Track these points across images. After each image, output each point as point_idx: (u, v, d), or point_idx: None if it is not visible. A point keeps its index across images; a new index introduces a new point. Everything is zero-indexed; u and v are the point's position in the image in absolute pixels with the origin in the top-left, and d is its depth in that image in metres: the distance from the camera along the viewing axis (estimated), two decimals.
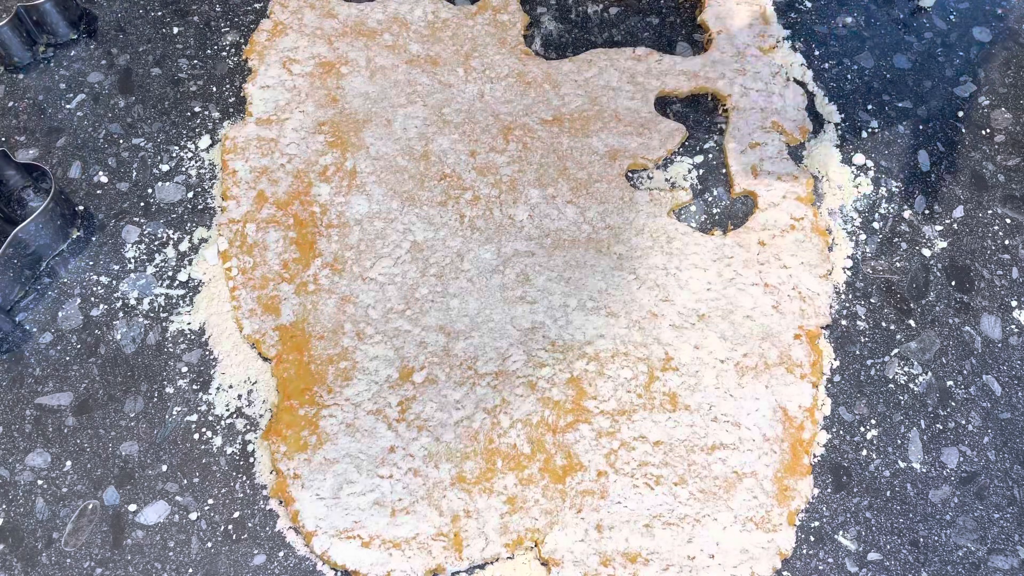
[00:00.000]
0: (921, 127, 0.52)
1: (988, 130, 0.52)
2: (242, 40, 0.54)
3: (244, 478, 0.42)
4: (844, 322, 0.46)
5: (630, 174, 0.49)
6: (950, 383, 0.45)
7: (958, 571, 0.41)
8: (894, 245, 0.48)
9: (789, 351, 0.44)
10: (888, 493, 0.42)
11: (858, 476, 0.43)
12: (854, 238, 0.48)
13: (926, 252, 0.48)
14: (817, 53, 0.54)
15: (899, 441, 0.44)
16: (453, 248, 0.46)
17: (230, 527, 0.41)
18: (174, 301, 0.46)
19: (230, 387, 0.44)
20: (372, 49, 0.52)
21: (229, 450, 0.43)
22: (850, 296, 0.47)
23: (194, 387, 0.44)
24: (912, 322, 0.46)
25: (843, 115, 0.51)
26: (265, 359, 0.45)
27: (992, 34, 0.55)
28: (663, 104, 0.51)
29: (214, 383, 0.44)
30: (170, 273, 0.47)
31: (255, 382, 0.44)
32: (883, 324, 0.46)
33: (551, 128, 0.50)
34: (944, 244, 0.48)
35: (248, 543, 0.41)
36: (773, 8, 0.54)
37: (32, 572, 0.41)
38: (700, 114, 0.51)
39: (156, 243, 0.48)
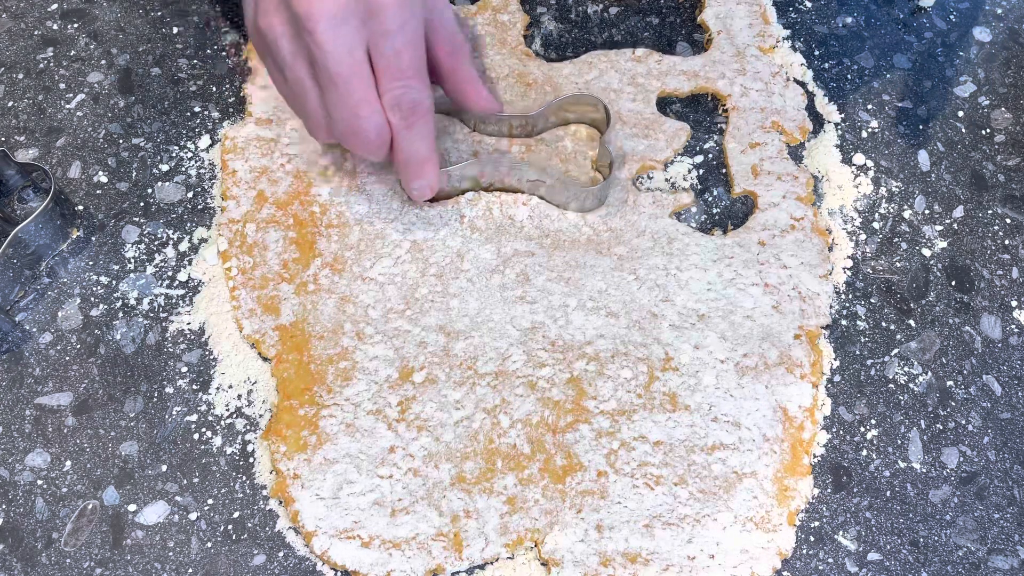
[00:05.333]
0: (921, 127, 0.52)
1: (988, 130, 0.52)
2: (242, 40, 0.54)
3: (244, 478, 0.42)
4: (844, 322, 0.46)
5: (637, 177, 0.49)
6: (950, 383, 0.45)
7: (958, 571, 0.41)
8: (894, 245, 0.48)
9: (789, 351, 0.44)
10: (888, 493, 0.42)
11: (858, 476, 0.43)
12: (854, 238, 0.48)
13: (926, 252, 0.48)
14: (817, 53, 0.54)
15: (899, 441, 0.44)
16: (453, 248, 0.46)
17: (230, 527, 0.41)
18: (174, 301, 0.46)
19: (230, 387, 0.44)
20: None
21: (229, 450, 0.43)
22: (850, 296, 0.47)
23: (194, 387, 0.44)
24: (912, 322, 0.46)
25: (843, 115, 0.52)
26: (265, 359, 0.45)
27: (992, 34, 0.55)
28: (663, 104, 0.51)
29: (214, 383, 0.44)
30: (170, 273, 0.47)
31: (255, 382, 0.44)
32: (883, 324, 0.46)
33: (555, 132, 0.50)
34: (944, 244, 0.48)
35: (248, 543, 0.41)
36: (773, 8, 0.54)
37: (32, 572, 0.41)
38: (700, 114, 0.51)
39: (156, 243, 0.48)
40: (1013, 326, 0.46)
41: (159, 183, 0.49)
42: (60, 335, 0.46)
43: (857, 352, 0.46)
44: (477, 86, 0.45)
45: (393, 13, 0.39)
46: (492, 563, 0.41)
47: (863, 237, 0.48)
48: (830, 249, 0.48)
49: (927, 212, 0.49)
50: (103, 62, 0.53)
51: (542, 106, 0.48)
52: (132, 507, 0.42)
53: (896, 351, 0.46)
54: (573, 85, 0.51)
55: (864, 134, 0.51)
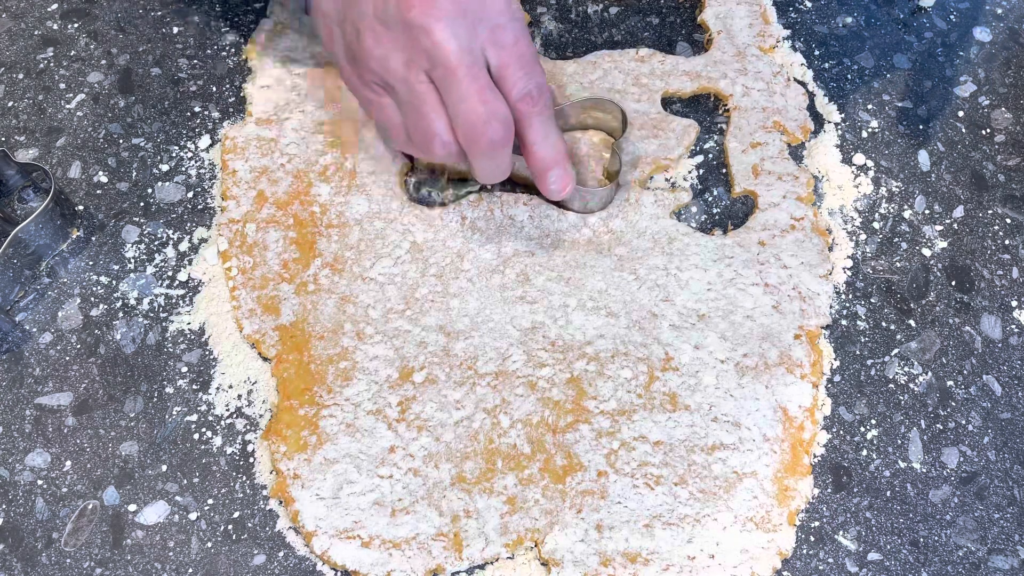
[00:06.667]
0: (921, 127, 0.52)
1: (988, 130, 0.52)
2: (242, 40, 0.54)
3: (244, 478, 0.42)
4: (844, 322, 0.46)
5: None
6: (950, 383, 0.45)
7: (958, 571, 0.41)
8: (894, 245, 0.48)
9: (789, 351, 0.44)
10: (888, 493, 0.42)
11: (858, 476, 0.43)
12: (854, 238, 0.48)
13: (926, 252, 0.48)
14: (817, 53, 0.54)
15: (899, 441, 0.44)
16: (453, 248, 0.46)
17: (230, 527, 0.41)
18: (174, 301, 0.46)
19: (230, 387, 0.44)
20: None
21: (229, 450, 0.43)
22: (850, 296, 0.47)
23: (194, 387, 0.44)
24: (912, 322, 0.46)
25: (843, 115, 0.51)
26: (265, 359, 0.45)
27: (992, 34, 0.55)
28: (664, 104, 0.51)
29: (214, 383, 0.44)
30: (170, 273, 0.47)
31: (255, 382, 0.44)
32: (883, 324, 0.46)
33: (571, 135, 0.49)
34: (944, 244, 0.48)
35: (248, 543, 0.41)
36: (773, 8, 0.54)
37: (32, 572, 0.41)
38: (700, 114, 0.51)
39: (156, 243, 0.48)
40: (1013, 326, 0.46)
41: (159, 183, 0.49)
42: (60, 335, 0.46)
43: (857, 352, 0.45)
44: None
45: (502, 4, 0.40)
46: (492, 563, 0.41)
47: (863, 237, 0.48)
48: (830, 249, 0.48)
49: (927, 212, 0.49)
50: (103, 62, 0.53)
51: (563, 103, 0.48)
52: (132, 507, 0.42)
53: (896, 351, 0.46)
54: (578, 84, 0.51)
55: (864, 134, 0.51)
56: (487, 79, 0.40)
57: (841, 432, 0.44)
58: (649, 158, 0.49)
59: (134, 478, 0.42)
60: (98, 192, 0.49)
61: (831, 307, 0.46)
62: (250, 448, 0.43)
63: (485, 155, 0.41)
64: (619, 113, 0.48)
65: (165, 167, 0.50)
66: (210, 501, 0.42)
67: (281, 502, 0.42)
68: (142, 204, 0.49)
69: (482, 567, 0.41)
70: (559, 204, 0.47)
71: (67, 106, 0.52)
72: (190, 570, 0.41)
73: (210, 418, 0.44)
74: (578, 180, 0.46)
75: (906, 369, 0.45)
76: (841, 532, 0.42)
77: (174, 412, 0.44)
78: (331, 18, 0.43)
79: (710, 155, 0.50)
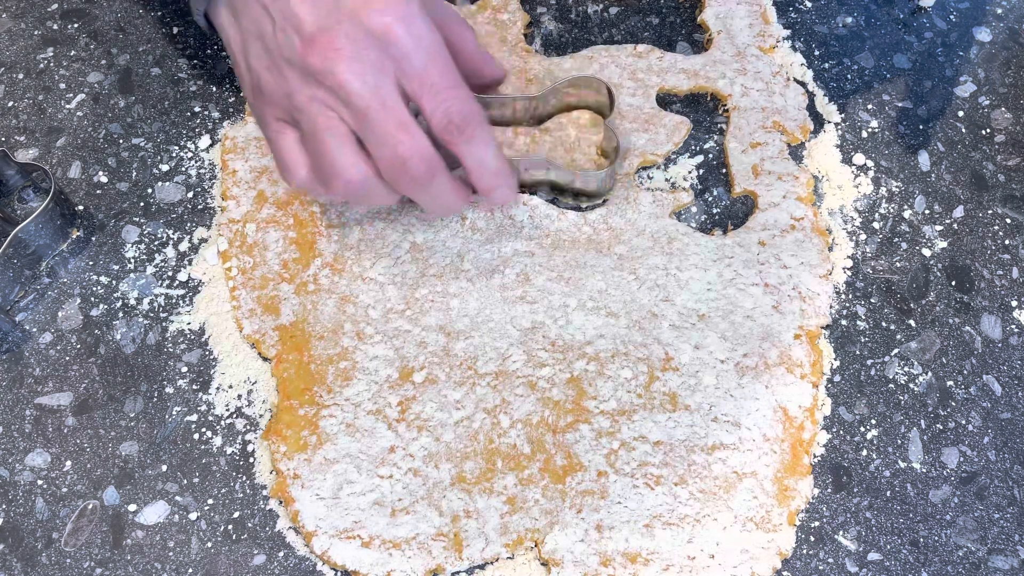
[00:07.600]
0: (921, 127, 0.52)
1: (988, 130, 0.52)
2: None
3: (244, 478, 0.42)
4: (844, 322, 0.46)
5: (640, 171, 0.49)
6: (950, 383, 0.45)
7: (958, 571, 0.41)
8: (894, 245, 0.48)
9: (789, 351, 0.44)
10: (888, 493, 0.42)
11: (858, 476, 0.43)
12: (854, 238, 0.48)
13: (926, 252, 0.48)
14: (817, 53, 0.54)
15: (899, 441, 0.44)
16: (453, 248, 0.46)
17: (230, 527, 0.41)
18: (174, 301, 0.46)
19: (230, 387, 0.44)
20: None
21: (229, 450, 0.43)
22: (850, 296, 0.47)
23: (194, 387, 0.44)
24: (912, 322, 0.46)
25: (843, 115, 0.51)
26: (265, 359, 0.45)
27: (992, 34, 0.55)
28: (663, 104, 0.51)
29: (214, 383, 0.44)
30: (170, 273, 0.47)
31: (255, 382, 0.44)
32: (883, 324, 0.46)
33: (558, 120, 0.49)
34: (944, 244, 0.48)
35: (248, 543, 0.41)
36: (773, 8, 0.54)
37: (32, 572, 0.41)
38: (700, 114, 0.51)
39: (156, 243, 0.48)
40: (1013, 326, 0.46)
41: (159, 183, 0.49)
42: (60, 335, 0.46)
43: (857, 352, 0.45)
44: (487, 58, 0.45)
45: (402, 31, 0.37)
46: (492, 563, 0.41)
47: (863, 237, 0.48)
48: (830, 249, 0.48)
49: (927, 212, 0.49)
50: (103, 62, 0.53)
51: (545, 87, 0.48)
52: (132, 507, 0.42)
53: (896, 351, 0.46)
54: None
55: (864, 134, 0.51)
56: (401, 113, 0.38)
57: (841, 432, 0.44)
58: (637, 151, 0.49)
59: (134, 478, 0.42)
60: (98, 192, 0.49)
61: (831, 307, 0.46)
62: (250, 448, 0.43)
63: (413, 192, 0.39)
64: (604, 88, 0.47)
65: (165, 167, 0.50)
66: (210, 501, 0.42)
67: (281, 502, 0.42)
68: (142, 204, 0.49)
69: (482, 567, 0.41)
70: (558, 194, 0.47)
71: (67, 106, 0.52)
72: (190, 570, 0.41)
73: (210, 418, 0.44)
74: (572, 164, 0.47)
75: (906, 369, 0.45)
76: (841, 532, 0.42)
77: (174, 412, 0.44)
78: (235, 47, 0.41)
79: (710, 155, 0.50)
